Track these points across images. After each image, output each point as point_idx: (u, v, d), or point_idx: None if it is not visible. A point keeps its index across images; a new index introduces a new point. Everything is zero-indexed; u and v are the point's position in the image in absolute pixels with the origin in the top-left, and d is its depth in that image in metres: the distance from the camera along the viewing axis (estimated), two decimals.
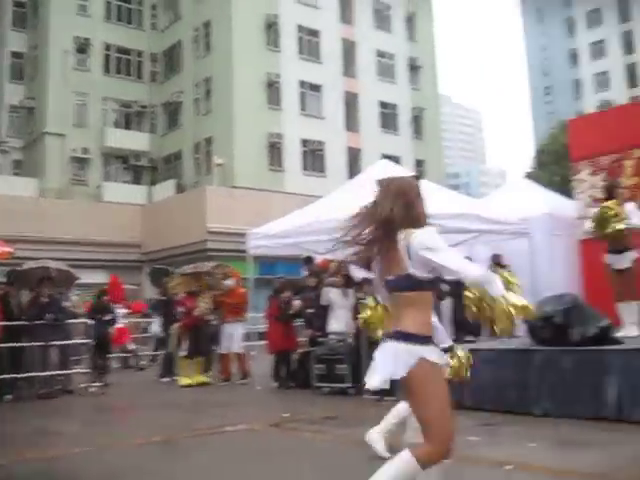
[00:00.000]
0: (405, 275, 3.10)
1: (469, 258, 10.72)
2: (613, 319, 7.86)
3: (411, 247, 3.06)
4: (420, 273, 3.10)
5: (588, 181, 10.65)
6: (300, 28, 32.46)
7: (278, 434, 7.14)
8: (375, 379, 3.12)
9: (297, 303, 11.02)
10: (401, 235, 3.10)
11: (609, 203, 8.22)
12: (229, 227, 22.52)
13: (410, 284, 3.12)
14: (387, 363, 3.09)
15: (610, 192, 8.55)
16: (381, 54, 36.00)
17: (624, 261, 8.19)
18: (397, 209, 3.14)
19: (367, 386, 3.18)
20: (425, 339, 3.13)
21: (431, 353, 3.12)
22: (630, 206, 8.33)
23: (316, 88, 32.64)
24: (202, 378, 11.94)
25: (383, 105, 35.50)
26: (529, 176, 32.85)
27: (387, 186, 3.28)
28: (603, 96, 51.30)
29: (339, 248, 3.41)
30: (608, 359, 6.65)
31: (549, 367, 7.06)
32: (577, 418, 6.60)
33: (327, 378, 9.93)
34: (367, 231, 3.20)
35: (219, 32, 30.94)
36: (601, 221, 8.14)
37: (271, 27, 31.32)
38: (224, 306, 12.20)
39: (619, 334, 7.67)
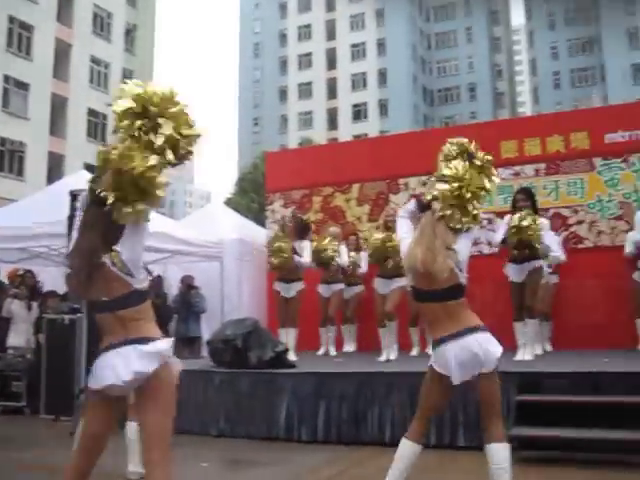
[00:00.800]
0: (132, 291, 3.04)
1: (160, 277, 10.79)
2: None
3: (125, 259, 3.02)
4: (142, 285, 3.07)
5: (279, 212, 11.23)
6: (12, 20, 30.00)
7: None
8: (110, 376, 2.94)
9: None
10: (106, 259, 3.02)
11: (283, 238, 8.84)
12: None
13: (138, 299, 3.07)
14: (126, 362, 2.93)
15: (298, 226, 9.15)
16: (96, 61, 34.86)
17: (291, 290, 8.81)
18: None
19: (95, 386, 3.00)
20: (169, 346, 3.07)
21: (174, 361, 3.09)
22: (305, 243, 8.98)
23: (23, 86, 30.46)
24: None
25: (93, 114, 34.34)
26: (230, 201, 33.77)
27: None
28: (305, 134, 54.30)
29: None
30: (280, 381, 7.01)
31: (227, 389, 7.25)
32: (251, 438, 6.86)
33: (1, 396, 9.26)
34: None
35: None
36: (275, 252, 8.66)
37: None
38: None
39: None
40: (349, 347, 9.88)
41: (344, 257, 9.17)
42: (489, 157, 3.94)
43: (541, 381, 6.15)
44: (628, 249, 7.79)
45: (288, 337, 8.75)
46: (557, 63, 56.62)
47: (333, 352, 9.47)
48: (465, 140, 3.96)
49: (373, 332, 8.61)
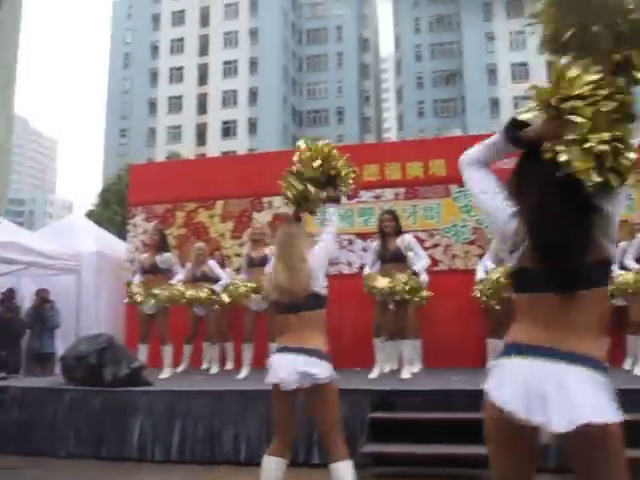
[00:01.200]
0: None
1: (12, 290, 10.32)
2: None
3: None
4: None
5: (141, 226, 10.96)
6: None
7: None
8: None
9: None
10: None
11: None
12: None
13: None
14: None
15: (162, 239, 9.02)
16: None
17: (152, 307, 8.65)
18: None
19: None
20: None
21: None
22: (167, 256, 8.85)
23: None
24: None
25: None
26: (92, 213, 32.71)
27: None
28: (174, 148, 53.39)
29: None
30: (135, 400, 6.82)
31: (79, 407, 6.98)
32: (102, 459, 6.63)
33: None
34: None
35: None
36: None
37: None
38: None
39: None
40: (215, 365, 9.68)
41: (220, 272, 9.07)
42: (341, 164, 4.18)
43: (394, 399, 6.30)
44: (479, 275, 8.10)
45: (164, 354, 8.63)
46: (422, 93, 58.78)
47: (215, 369, 9.24)
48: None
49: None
